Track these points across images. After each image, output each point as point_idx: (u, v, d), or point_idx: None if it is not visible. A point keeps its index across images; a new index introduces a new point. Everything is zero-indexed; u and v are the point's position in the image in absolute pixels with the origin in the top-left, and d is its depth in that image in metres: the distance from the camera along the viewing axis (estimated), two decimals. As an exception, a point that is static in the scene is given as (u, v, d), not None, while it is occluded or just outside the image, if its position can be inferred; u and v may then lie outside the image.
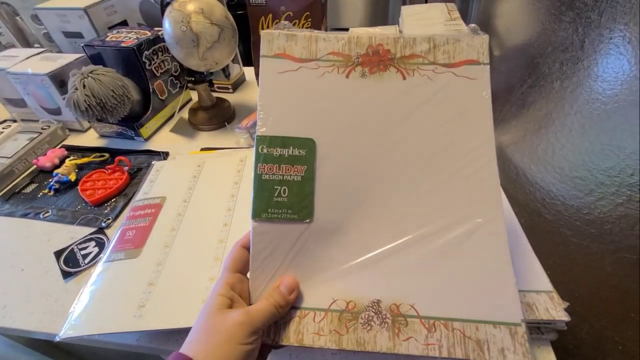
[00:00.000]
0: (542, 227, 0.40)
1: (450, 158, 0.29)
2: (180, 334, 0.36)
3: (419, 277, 0.27)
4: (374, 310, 0.26)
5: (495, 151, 0.29)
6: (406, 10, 0.70)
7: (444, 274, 0.27)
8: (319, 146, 0.29)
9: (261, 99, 0.29)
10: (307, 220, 0.28)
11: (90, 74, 0.56)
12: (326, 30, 0.71)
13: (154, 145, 0.66)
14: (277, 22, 0.66)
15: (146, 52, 0.63)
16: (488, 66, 0.30)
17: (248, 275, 0.28)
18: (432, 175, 0.29)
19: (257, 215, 0.28)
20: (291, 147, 0.28)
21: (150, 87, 0.66)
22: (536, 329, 0.33)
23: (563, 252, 0.38)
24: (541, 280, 0.34)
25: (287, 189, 0.28)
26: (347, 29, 1.01)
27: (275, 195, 0.28)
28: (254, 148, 0.29)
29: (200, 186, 0.49)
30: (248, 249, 0.28)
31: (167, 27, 0.56)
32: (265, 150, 0.28)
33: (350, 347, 0.25)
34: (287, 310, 0.27)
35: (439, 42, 0.30)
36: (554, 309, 0.31)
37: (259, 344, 0.26)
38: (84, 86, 0.56)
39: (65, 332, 0.34)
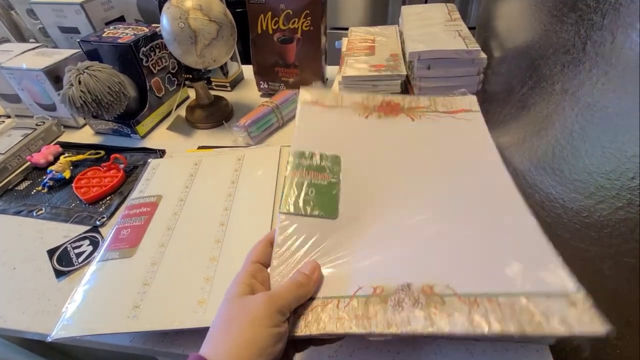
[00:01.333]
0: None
1: (462, 172, 0.34)
2: (176, 334, 0.36)
3: (450, 256, 0.27)
4: (404, 292, 0.25)
5: (500, 158, 0.34)
6: (406, 10, 0.70)
7: (476, 251, 0.27)
8: (343, 162, 0.35)
9: (298, 124, 0.38)
10: (333, 217, 0.31)
11: (86, 70, 0.56)
12: (325, 29, 0.70)
13: (150, 143, 0.66)
14: (275, 20, 0.66)
15: (143, 49, 0.63)
16: (480, 113, 0.39)
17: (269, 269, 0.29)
18: (446, 176, 0.34)
19: (285, 208, 0.31)
20: (319, 159, 0.35)
21: (147, 84, 0.65)
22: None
23: (562, 255, 0.38)
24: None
25: (314, 190, 0.32)
26: (346, 29, 1.01)
27: (304, 194, 0.32)
28: (289, 159, 0.34)
29: (197, 185, 0.48)
30: (272, 245, 0.29)
31: (165, 24, 0.55)
32: (297, 160, 0.34)
33: (379, 329, 0.23)
34: (312, 291, 0.26)
35: (438, 99, 0.41)
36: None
37: (285, 329, 0.24)
38: (80, 82, 0.55)
39: (57, 332, 0.33)
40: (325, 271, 0.28)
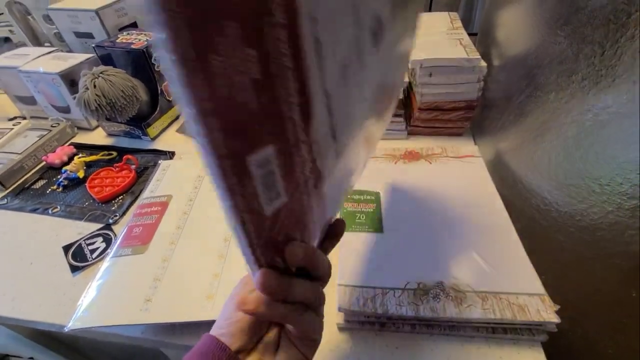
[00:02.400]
0: (537, 233, 0.41)
1: (465, 196, 0.47)
2: (184, 327, 0.37)
3: (467, 264, 0.38)
4: (439, 288, 0.36)
5: (496, 191, 0.47)
6: (410, 18, 0.72)
7: (485, 263, 0.38)
8: (382, 196, 0.48)
9: None
10: (380, 232, 0.43)
11: (101, 74, 0.58)
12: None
13: (160, 144, 0.68)
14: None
15: (155, 54, 0.65)
16: (482, 158, 0.53)
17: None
18: (457, 206, 0.46)
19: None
20: (364, 195, 0.48)
21: (159, 88, 0.68)
22: (527, 330, 0.34)
23: (557, 257, 0.39)
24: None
25: (364, 215, 0.45)
26: None
27: (357, 218, 0.45)
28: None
29: (206, 186, 0.50)
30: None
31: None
32: (349, 196, 0.47)
33: (425, 314, 0.33)
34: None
35: (447, 147, 0.56)
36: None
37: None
38: (95, 86, 0.57)
39: (73, 323, 0.35)
40: (379, 270, 0.38)
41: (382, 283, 0.37)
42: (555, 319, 0.32)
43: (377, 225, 0.43)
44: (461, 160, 0.53)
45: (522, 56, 0.43)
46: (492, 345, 0.34)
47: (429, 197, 0.47)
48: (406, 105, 0.65)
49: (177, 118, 0.74)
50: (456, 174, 0.50)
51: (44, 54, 0.72)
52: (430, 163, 0.53)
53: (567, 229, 0.36)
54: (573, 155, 0.34)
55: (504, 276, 0.36)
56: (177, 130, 0.72)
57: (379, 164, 0.54)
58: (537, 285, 0.35)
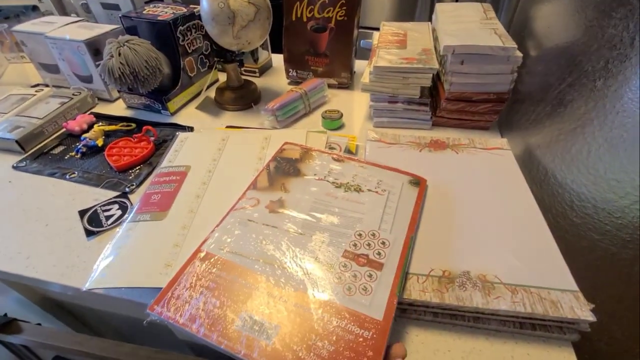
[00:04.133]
0: (567, 230, 0.39)
1: (494, 188, 0.45)
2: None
3: (495, 255, 0.36)
4: (465, 277, 0.34)
5: (527, 185, 0.45)
6: (441, 7, 0.70)
7: (516, 256, 0.36)
8: None
9: (369, 155, 0.51)
10: None
11: (126, 43, 0.58)
12: (359, 21, 0.71)
13: (179, 119, 0.67)
14: (311, 8, 0.67)
15: (181, 28, 0.64)
16: (511, 151, 0.51)
17: None
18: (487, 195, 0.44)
19: None
20: None
21: (182, 63, 0.67)
22: (558, 328, 0.32)
23: (589, 257, 0.37)
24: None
25: None
26: (372, 28, 1.01)
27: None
28: None
29: (225, 158, 0.49)
30: None
31: (205, 3, 0.57)
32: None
33: (450, 301, 0.32)
34: None
35: (475, 138, 0.54)
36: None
37: None
38: (120, 54, 0.57)
39: (91, 283, 0.35)
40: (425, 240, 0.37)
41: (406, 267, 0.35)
42: (591, 317, 0.30)
43: None
44: (490, 152, 0.51)
45: (565, 44, 0.41)
46: (519, 341, 0.33)
47: (456, 186, 0.45)
48: (432, 94, 0.63)
49: (197, 94, 0.74)
50: (484, 165, 0.49)
51: (70, 23, 0.72)
52: (457, 153, 0.51)
53: (604, 227, 0.34)
54: (617, 147, 0.32)
55: (535, 270, 0.34)
56: (197, 107, 0.71)
57: (402, 150, 0.52)
58: (570, 281, 0.33)
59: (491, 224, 0.40)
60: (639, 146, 0.30)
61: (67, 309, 0.75)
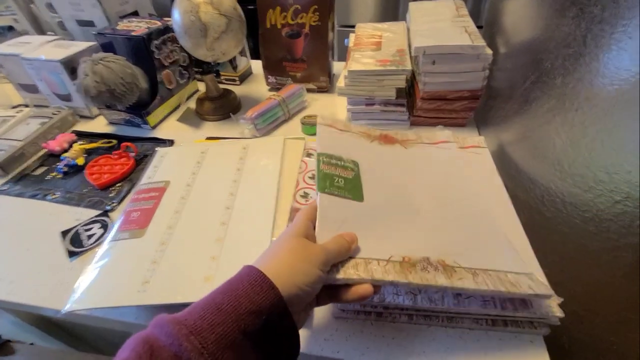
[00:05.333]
0: (541, 225, 0.40)
1: (461, 181, 0.44)
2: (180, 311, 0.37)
3: (453, 240, 0.36)
4: (426, 262, 0.33)
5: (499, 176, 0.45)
6: (414, 6, 0.70)
7: (471, 239, 0.36)
8: (361, 165, 0.44)
9: (321, 137, 0.46)
10: (360, 201, 0.39)
11: (100, 61, 0.58)
12: (333, 26, 0.71)
13: (160, 133, 0.67)
14: (284, 15, 0.67)
15: (155, 42, 0.65)
16: (487, 149, 0.50)
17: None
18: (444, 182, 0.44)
19: (322, 189, 0.38)
20: (342, 161, 0.43)
21: (158, 76, 0.67)
22: (529, 323, 0.33)
23: (561, 250, 0.38)
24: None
25: (343, 180, 0.40)
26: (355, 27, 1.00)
27: (335, 181, 0.40)
28: (319, 157, 0.42)
29: (204, 171, 0.50)
30: (311, 221, 0.34)
31: (176, 17, 0.57)
32: (325, 159, 0.42)
33: (416, 281, 0.31)
34: (349, 254, 0.32)
35: (422, 133, 0.53)
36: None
37: (326, 277, 0.29)
38: (94, 72, 0.57)
39: (70, 305, 0.35)
40: (360, 239, 0.34)
41: (364, 254, 0.33)
42: (547, 291, 0.31)
43: (357, 192, 0.40)
44: (436, 146, 0.50)
45: (528, 42, 0.41)
46: (492, 338, 0.33)
47: (409, 176, 0.45)
48: (409, 94, 0.64)
49: (177, 107, 0.74)
50: (431, 158, 0.48)
51: (46, 42, 0.72)
52: (406, 148, 0.50)
53: (572, 220, 0.35)
54: (579, 143, 0.33)
55: (490, 255, 0.34)
56: (178, 119, 0.71)
57: (354, 138, 0.50)
58: (522, 264, 0.34)
59: (451, 213, 0.39)
60: (598, 142, 0.31)
61: (61, 326, 0.75)
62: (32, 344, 0.71)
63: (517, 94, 0.43)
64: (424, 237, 0.37)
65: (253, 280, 0.25)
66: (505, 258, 0.35)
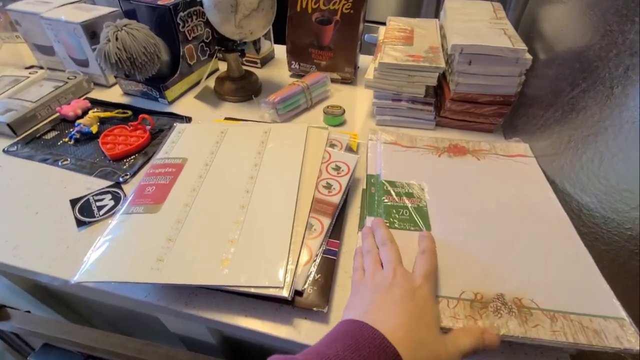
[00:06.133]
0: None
1: (520, 198, 0.42)
2: (191, 295, 0.36)
3: (533, 276, 0.33)
4: (500, 302, 0.31)
5: (555, 196, 0.41)
6: (450, 4, 0.68)
7: (550, 272, 0.33)
8: (426, 190, 0.43)
9: (384, 160, 0.47)
10: (428, 231, 0.37)
11: (124, 27, 0.55)
12: (365, 15, 0.69)
13: (177, 109, 0.65)
14: (316, 0, 0.65)
15: (181, 14, 0.62)
16: (535, 159, 0.47)
17: None
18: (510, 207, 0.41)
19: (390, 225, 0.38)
20: (408, 188, 0.43)
21: (181, 50, 0.65)
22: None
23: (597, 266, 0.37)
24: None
25: (408, 211, 0.40)
26: (377, 22, 0.98)
27: (400, 214, 0.40)
28: (384, 186, 0.43)
29: (223, 152, 0.48)
30: None
31: (208, -11, 0.55)
32: (388, 189, 0.43)
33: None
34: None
35: (496, 144, 0.51)
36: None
37: None
38: (117, 39, 0.55)
39: (80, 276, 0.33)
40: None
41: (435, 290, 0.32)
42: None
43: (423, 222, 0.39)
44: (512, 159, 0.47)
45: (580, 49, 0.39)
46: (516, 351, 0.32)
47: (479, 197, 0.42)
48: (437, 93, 0.62)
49: (196, 84, 0.72)
50: (508, 174, 0.45)
51: (67, 3, 0.70)
52: (479, 159, 0.48)
53: (612, 238, 0.34)
54: (632, 158, 0.31)
55: (573, 294, 0.31)
56: (195, 97, 0.69)
57: (420, 155, 0.49)
58: (614, 307, 0.30)
59: (521, 240, 0.36)
60: (653, 157, 0.29)
61: (58, 297, 0.74)
62: (28, 311, 0.70)
63: (561, 102, 0.41)
64: (498, 269, 0.34)
65: (379, 348, 0.23)
66: (593, 297, 0.31)
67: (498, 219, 0.39)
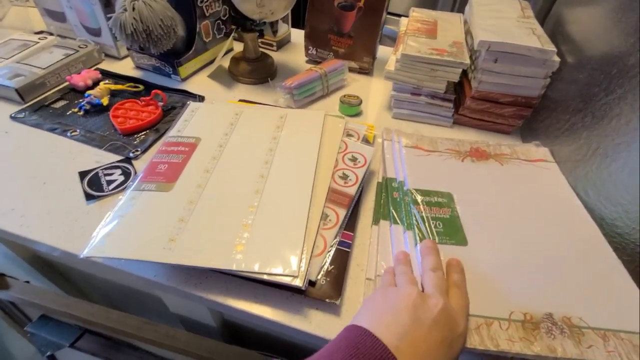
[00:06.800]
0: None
1: (548, 207, 0.40)
2: (201, 277, 0.35)
3: (575, 292, 0.32)
4: (550, 322, 0.30)
5: (581, 203, 0.40)
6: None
7: (592, 290, 0.32)
8: (456, 198, 0.41)
9: (408, 167, 0.45)
10: (465, 245, 0.36)
11: (141, -3, 0.53)
12: (388, 4, 0.67)
13: (190, 87, 0.64)
14: None
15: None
16: (556, 164, 0.46)
17: None
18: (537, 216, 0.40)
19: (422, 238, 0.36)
20: (434, 197, 0.41)
21: (198, 26, 0.63)
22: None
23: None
24: None
25: (441, 222, 0.38)
26: (393, 14, 0.95)
27: (435, 226, 0.37)
28: (414, 195, 0.41)
29: (237, 134, 0.46)
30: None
31: (231, -37, 0.52)
32: (421, 197, 0.41)
33: (544, 353, 0.28)
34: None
35: (517, 148, 0.50)
36: None
37: None
38: (134, 9, 0.53)
39: (89, 251, 0.32)
40: (473, 292, 0.31)
41: (484, 310, 0.30)
42: None
43: (459, 235, 0.36)
44: (534, 164, 0.46)
45: (614, 55, 0.38)
46: None
47: (507, 205, 0.40)
48: (457, 90, 0.61)
49: (210, 62, 0.70)
50: (533, 181, 0.44)
51: (80, -32, 0.67)
52: (502, 164, 0.46)
53: (635, 249, 0.33)
54: (665, 169, 0.30)
55: (619, 311, 0.30)
56: (209, 76, 0.67)
57: (443, 159, 0.47)
58: None
59: (555, 253, 0.35)
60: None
61: (57, 269, 0.73)
62: (27, 281, 0.69)
63: (593, 107, 0.40)
64: (539, 286, 0.33)
65: None
66: (635, 313, 0.30)
67: (529, 230, 0.37)
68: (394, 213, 0.40)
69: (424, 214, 0.38)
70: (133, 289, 0.61)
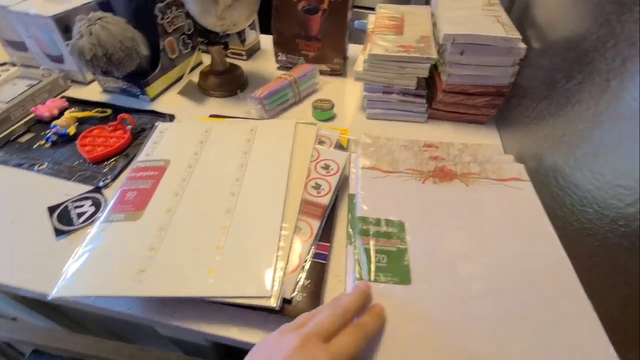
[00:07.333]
0: (567, 235, 0.38)
1: (510, 237, 0.37)
2: (176, 306, 0.34)
3: (530, 343, 0.29)
4: None
5: (554, 232, 0.38)
6: (441, -9, 0.65)
7: (560, 344, 0.29)
8: (407, 227, 0.37)
9: (361, 192, 0.42)
10: (407, 284, 0.32)
11: (98, 21, 0.52)
12: (352, 3, 0.66)
13: (159, 106, 0.63)
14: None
15: (159, 5, 0.59)
16: (530, 183, 0.42)
17: None
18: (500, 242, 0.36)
19: (361, 277, 0.33)
20: (384, 226, 0.37)
21: (161, 43, 0.62)
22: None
23: (587, 262, 0.36)
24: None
25: (386, 256, 0.35)
26: (366, 8, 0.94)
27: (376, 261, 0.34)
28: (356, 224, 0.38)
29: (207, 152, 0.46)
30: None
31: (185, -22, 0.51)
32: (364, 226, 0.37)
33: None
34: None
35: (487, 166, 0.45)
36: None
37: None
38: (91, 33, 0.51)
39: (58, 290, 0.32)
40: (400, 340, 0.29)
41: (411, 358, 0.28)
42: None
43: (402, 272, 0.33)
44: (505, 184, 0.42)
45: (576, 39, 0.38)
46: None
47: (466, 234, 0.37)
48: (429, 85, 0.60)
49: (179, 78, 0.69)
50: (501, 204, 0.40)
51: (37, -5, 0.65)
52: (467, 185, 0.42)
53: (605, 234, 0.33)
54: (629, 153, 0.30)
55: None
56: (179, 92, 0.66)
57: (402, 181, 0.43)
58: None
59: (517, 300, 0.31)
60: (651, 153, 0.28)
61: (47, 303, 0.72)
62: (14, 319, 0.68)
63: (556, 94, 0.40)
64: (486, 333, 0.29)
65: None
66: None
67: (489, 267, 0.34)
68: (350, 239, 0.39)
69: (371, 245, 0.35)
70: (124, 318, 0.60)
